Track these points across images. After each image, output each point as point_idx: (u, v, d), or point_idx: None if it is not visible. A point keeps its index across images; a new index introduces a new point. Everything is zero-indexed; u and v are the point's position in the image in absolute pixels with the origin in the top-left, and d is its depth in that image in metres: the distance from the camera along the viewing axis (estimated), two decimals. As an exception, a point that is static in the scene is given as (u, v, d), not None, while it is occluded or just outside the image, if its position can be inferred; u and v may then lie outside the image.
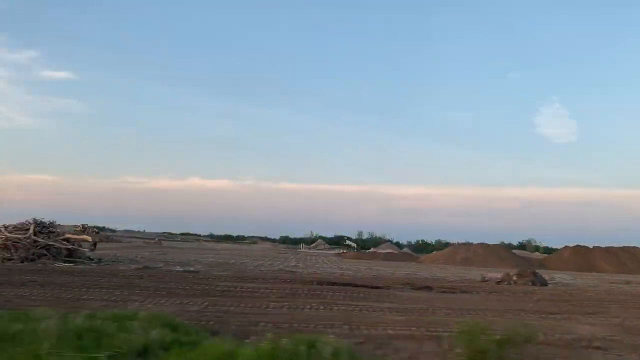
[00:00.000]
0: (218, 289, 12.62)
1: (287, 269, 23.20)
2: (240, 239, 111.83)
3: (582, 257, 43.79)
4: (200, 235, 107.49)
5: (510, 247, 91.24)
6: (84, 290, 11.44)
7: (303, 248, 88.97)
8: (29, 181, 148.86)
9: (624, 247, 45.64)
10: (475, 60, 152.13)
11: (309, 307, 10.13)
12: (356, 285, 15.09)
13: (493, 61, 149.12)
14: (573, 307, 12.22)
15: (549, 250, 79.05)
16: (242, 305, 9.94)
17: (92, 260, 22.24)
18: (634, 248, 45.07)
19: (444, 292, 14.87)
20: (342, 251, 78.54)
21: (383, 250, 69.21)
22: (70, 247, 22.55)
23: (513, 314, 10.50)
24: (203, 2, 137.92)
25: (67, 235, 23.37)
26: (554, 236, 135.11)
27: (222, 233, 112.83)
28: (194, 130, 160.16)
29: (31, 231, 20.93)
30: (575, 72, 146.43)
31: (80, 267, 19.28)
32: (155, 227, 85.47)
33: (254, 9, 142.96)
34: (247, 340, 5.85)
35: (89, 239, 26.36)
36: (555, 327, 8.66)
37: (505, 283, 18.91)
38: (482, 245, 49.74)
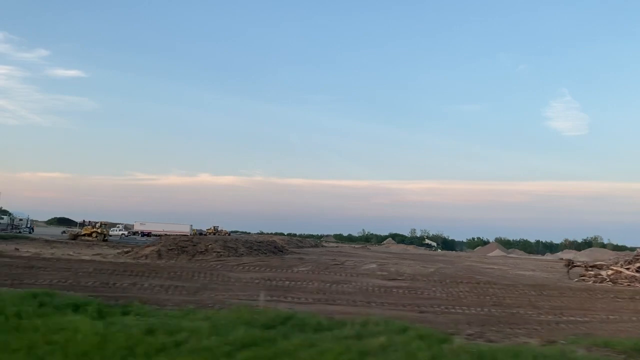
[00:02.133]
0: None
1: None
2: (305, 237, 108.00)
3: None
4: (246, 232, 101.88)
5: (575, 244, 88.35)
6: None
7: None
8: (40, 178, 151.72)
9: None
10: (484, 53, 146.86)
11: None
12: None
13: (502, 53, 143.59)
14: None
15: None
16: None
17: None
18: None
19: None
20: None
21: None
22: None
23: None
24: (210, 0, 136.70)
25: None
26: (557, 231, 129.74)
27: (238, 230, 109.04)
28: (203, 127, 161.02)
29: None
30: (586, 64, 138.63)
31: None
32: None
33: (261, 6, 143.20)
34: None
35: None
36: None
37: None
38: None
